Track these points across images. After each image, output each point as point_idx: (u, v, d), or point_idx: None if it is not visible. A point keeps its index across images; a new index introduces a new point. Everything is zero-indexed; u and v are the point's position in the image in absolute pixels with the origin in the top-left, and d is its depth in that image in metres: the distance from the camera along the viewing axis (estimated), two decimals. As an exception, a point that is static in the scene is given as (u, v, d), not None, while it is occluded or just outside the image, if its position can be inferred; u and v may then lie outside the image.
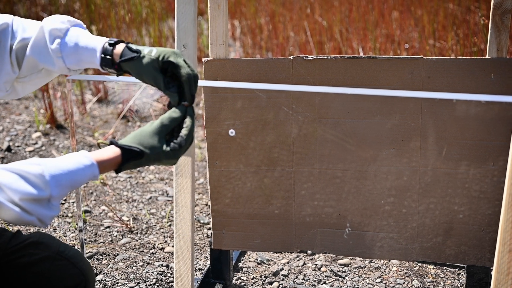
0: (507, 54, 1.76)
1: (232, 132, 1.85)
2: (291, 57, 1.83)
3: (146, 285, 2.08)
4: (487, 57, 1.76)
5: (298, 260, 2.23)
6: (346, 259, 2.21)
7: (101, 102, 3.89)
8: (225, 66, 1.86)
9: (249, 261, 2.23)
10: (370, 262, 2.21)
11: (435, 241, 1.92)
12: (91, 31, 4.52)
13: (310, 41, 4.15)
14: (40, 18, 5.23)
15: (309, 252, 2.25)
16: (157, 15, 4.97)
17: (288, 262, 2.22)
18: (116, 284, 2.09)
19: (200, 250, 2.31)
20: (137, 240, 2.36)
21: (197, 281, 2.02)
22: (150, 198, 2.69)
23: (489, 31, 1.74)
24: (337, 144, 1.86)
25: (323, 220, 1.93)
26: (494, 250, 1.86)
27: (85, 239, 2.37)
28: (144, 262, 2.22)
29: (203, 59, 1.85)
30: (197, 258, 2.25)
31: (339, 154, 1.87)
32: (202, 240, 2.37)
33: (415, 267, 2.18)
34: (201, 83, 1.69)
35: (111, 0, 5.14)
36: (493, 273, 1.57)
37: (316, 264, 2.20)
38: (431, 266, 2.17)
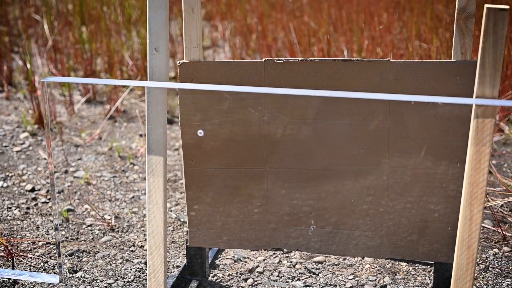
0: (471, 57, 1.81)
1: (200, 133, 1.90)
2: (263, 59, 1.89)
3: (124, 282, 2.14)
4: (452, 60, 1.81)
5: (274, 257, 2.28)
6: (320, 256, 2.27)
7: (90, 103, 3.95)
8: (199, 69, 1.91)
9: (226, 258, 2.29)
10: (344, 259, 2.26)
11: (410, 239, 1.97)
12: (81, 33, 4.57)
13: (296, 43, 4.20)
14: (32, 20, 5.28)
15: (285, 250, 2.31)
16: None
17: (264, 260, 2.27)
18: (95, 281, 2.14)
19: (179, 248, 2.36)
20: (117, 238, 2.42)
21: (174, 278, 2.08)
22: (133, 197, 2.75)
23: (454, 34, 1.79)
24: (310, 145, 1.91)
25: (301, 219, 1.98)
26: (464, 248, 1.91)
27: (67, 237, 2.42)
28: (123, 260, 2.27)
29: (177, 62, 1.90)
30: (176, 256, 2.31)
31: (316, 154, 1.92)
32: (181, 238, 2.42)
33: (387, 264, 2.23)
34: (176, 85, 1.75)
35: (104, 0, 5.19)
36: (453, 269, 1.63)
37: (291, 262, 2.25)
38: (404, 263, 2.23)
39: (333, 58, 1.88)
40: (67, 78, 1.71)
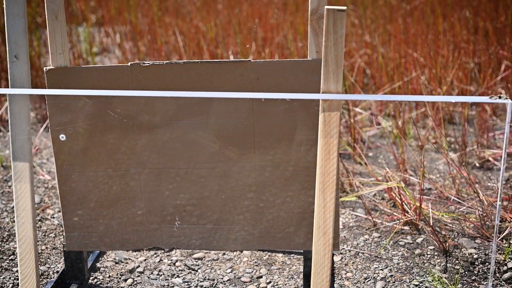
0: (325, 55, 1.92)
1: (62, 137, 1.93)
2: (129, 63, 1.93)
3: (2, 291, 2.13)
4: (308, 58, 1.92)
5: (155, 257, 2.33)
6: (200, 253, 2.33)
7: (-26, 113, 3.86)
8: (66, 74, 1.93)
9: (107, 261, 2.31)
10: (224, 254, 2.34)
11: (287, 231, 2.07)
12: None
13: (182, 46, 4.26)
14: None
15: (166, 249, 2.36)
16: (35, 24, 4.94)
17: (145, 260, 2.31)
18: (-29, 292, 2.12)
19: (60, 253, 2.37)
20: (-3, 248, 2.40)
21: (52, 283, 2.09)
22: (15, 206, 2.72)
23: (308, 34, 1.90)
24: (179, 145, 1.97)
25: (184, 218, 2.04)
26: (336, 236, 2.01)
27: None
28: (2, 269, 2.26)
29: (44, 68, 1.91)
30: (57, 262, 2.31)
31: (186, 154, 1.98)
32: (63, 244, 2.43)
33: (264, 256, 2.32)
34: (35, 91, 1.77)
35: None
36: (312, 255, 1.73)
37: (171, 260, 2.30)
38: (280, 255, 2.33)
39: (197, 60, 1.95)
40: None
